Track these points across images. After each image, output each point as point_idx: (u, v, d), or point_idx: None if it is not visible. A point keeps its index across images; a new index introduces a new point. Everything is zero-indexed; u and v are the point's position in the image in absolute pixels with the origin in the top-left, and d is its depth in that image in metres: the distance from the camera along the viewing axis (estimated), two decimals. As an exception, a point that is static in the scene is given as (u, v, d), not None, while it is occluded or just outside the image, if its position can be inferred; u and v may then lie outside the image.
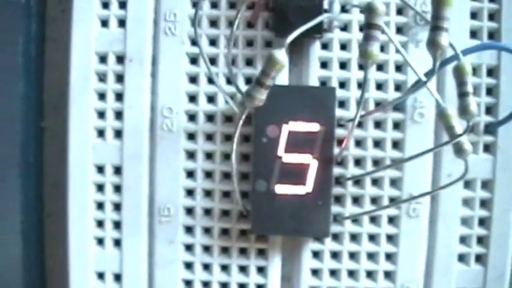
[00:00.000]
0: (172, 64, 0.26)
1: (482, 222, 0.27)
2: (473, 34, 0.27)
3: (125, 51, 0.27)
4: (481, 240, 0.27)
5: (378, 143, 0.26)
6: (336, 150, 0.25)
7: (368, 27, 0.22)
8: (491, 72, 0.27)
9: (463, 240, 0.27)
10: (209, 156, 0.27)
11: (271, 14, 0.26)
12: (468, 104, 0.23)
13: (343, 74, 0.26)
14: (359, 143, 0.27)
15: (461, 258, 0.27)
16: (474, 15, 0.27)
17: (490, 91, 0.27)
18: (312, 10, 0.25)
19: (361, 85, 0.25)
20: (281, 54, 0.21)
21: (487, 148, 0.27)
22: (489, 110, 0.27)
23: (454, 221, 0.27)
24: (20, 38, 0.29)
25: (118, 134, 0.27)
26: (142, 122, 0.27)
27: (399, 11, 0.26)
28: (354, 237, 0.27)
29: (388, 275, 0.27)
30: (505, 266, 0.27)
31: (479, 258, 0.27)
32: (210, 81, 0.26)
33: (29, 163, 0.30)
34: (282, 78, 0.26)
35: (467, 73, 0.23)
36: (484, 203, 0.27)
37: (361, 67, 0.26)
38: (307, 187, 0.25)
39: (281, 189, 0.25)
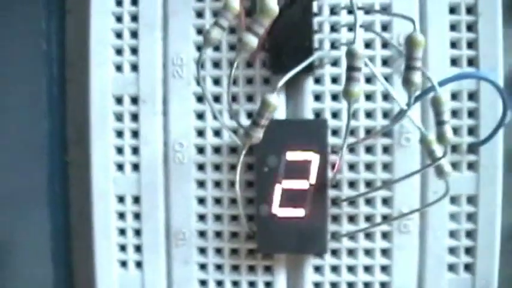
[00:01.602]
0: (181, 103, 0.31)
1: (469, 234, 0.31)
2: (454, 62, 0.31)
3: (138, 93, 0.31)
4: (468, 251, 0.31)
5: (369, 167, 0.31)
6: (331, 175, 0.30)
7: (349, 69, 0.26)
8: (472, 96, 0.31)
9: (452, 251, 0.31)
10: (217, 184, 0.31)
11: (268, 54, 0.31)
12: (444, 132, 0.27)
13: (335, 105, 0.31)
14: (352, 167, 0.31)
15: (451, 268, 0.31)
16: (454, 44, 0.31)
17: (471, 114, 0.31)
18: (303, 50, 0.30)
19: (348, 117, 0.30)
20: (273, 98, 0.25)
21: (471, 166, 0.31)
22: (471, 131, 0.31)
23: (442, 234, 0.31)
24: (44, 81, 0.35)
25: (135, 167, 0.32)
26: (156, 156, 0.31)
27: (384, 45, 0.31)
28: (351, 253, 0.31)
29: (384, 285, 0.31)
30: (493, 274, 0.31)
31: (468, 268, 0.31)
32: (216, 117, 0.31)
33: (56, 193, 0.35)
34: (280, 112, 0.31)
35: (442, 104, 0.27)
36: (470, 217, 0.31)
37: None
38: (306, 209, 0.29)
39: (282, 212, 0.30)
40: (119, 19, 0.32)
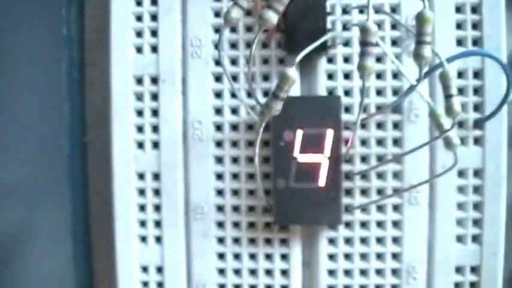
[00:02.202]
0: (200, 83, 0.33)
1: (476, 206, 0.33)
2: (460, 42, 0.33)
3: (158, 74, 0.33)
4: (476, 222, 0.33)
5: (380, 142, 0.33)
6: (344, 149, 0.32)
7: (363, 45, 0.28)
8: (477, 74, 0.33)
9: (460, 223, 0.33)
10: (235, 160, 0.33)
11: (283, 35, 0.33)
12: (452, 105, 0.29)
13: (347, 83, 0.33)
14: (364, 142, 0.33)
15: (459, 239, 0.33)
16: (459, 25, 0.33)
17: (476, 91, 0.33)
18: (317, 31, 0.32)
19: (362, 91, 0.32)
20: (292, 72, 0.28)
21: (477, 141, 0.33)
22: (477, 107, 0.33)
23: (450, 207, 0.33)
24: (63, 64, 0.36)
25: (155, 145, 0.34)
26: (176, 133, 0.33)
27: (393, 27, 0.33)
28: (364, 225, 0.33)
29: (395, 256, 0.33)
30: (499, 244, 0.33)
31: (475, 238, 0.33)
32: (233, 95, 0.33)
33: (76, 174, 0.37)
34: (295, 89, 0.33)
35: (450, 78, 0.29)
36: (477, 189, 0.33)
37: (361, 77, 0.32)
38: (321, 182, 0.31)
39: (298, 185, 0.32)
40: (139, 3, 0.34)
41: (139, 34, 0.34)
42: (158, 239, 0.34)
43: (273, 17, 0.28)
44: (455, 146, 0.29)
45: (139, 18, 0.34)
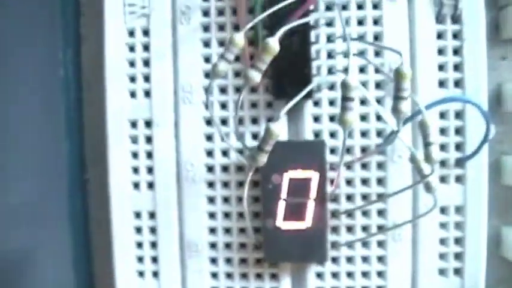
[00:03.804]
0: (192, 127, 0.36)
1: (458, 241, 0.35)
2: (441, 83, 0.35)
3: (151, 118, 0.36)
4: (457, 256, 0.36)
5: (365, 181, 0.35)
6: (329, 190, 0.34)
7: (344, 99, 0.30)
8: (458, 115, 0.35)
9: (442, 257, 0.36)
10: (226, 200, 0.36)
11: (270, 81, 0.35)
12: (430, 153, 0.31)
13: (332, 126, 0.35)
14: (349, 182, 0.36)
15: (442, 272, 0.36)
16: (441, 67, 0.35)
17: (458, 131, 0.35)
18: (302, 76, 0.34)
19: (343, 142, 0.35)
20: (277, 127, 0.30)
21: (458, 179, 0.35)
22: (458, 147, 0.35)
23: (433, 242, 0.35)
24: (62, 105, 0.39)
25: (151, 185, 0.36)
26: (170, 175, 0.36)
27: (377, 70, 0.35)
28: (350, 260, 0.36)
29: (380, 289, 0.36)
30: (479, 277, 0.35)
31: (457, 272, 0.36)
32: (222, 139, 0.35)
33: (76, 209, 0.40)
34: (282, 132, 0.35)
35: (428, 127, 0.31)
36: (458, 225, 0.35)
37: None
38: (307, 222, 0.34)
39: (286, 225, 0.34)
40: (132, 49, 0.36)
41: (132, 79, 0.36)
42: (155, 274, 0.37)
43: (256, 76, 0.30)
44: (435, 190, 0.32)
45: (132, 64, 0.36)
